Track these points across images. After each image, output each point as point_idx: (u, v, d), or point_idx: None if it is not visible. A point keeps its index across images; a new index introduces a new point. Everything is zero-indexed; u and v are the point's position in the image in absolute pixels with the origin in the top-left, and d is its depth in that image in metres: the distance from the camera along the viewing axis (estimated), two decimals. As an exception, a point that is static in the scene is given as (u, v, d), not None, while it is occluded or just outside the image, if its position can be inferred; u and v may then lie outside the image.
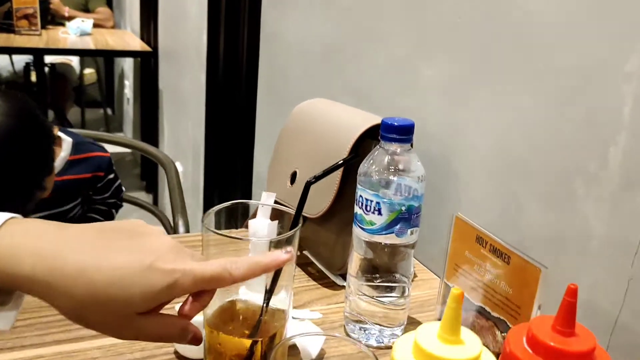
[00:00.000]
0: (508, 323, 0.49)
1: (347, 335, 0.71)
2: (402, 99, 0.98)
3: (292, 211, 0.59)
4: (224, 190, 1.84)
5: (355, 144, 0.77)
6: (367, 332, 0.69)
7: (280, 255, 0.48)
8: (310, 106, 0.93)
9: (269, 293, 0.56)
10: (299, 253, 0.92)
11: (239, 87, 1.69)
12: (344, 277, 0.83)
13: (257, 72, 1.58)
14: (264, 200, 0.69)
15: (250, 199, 1.73)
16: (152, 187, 3.10)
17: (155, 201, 3.00)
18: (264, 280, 0.62)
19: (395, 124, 0.65)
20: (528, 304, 0.47)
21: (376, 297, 0.68)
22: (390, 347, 0.69)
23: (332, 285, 0.82)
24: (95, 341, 0.65)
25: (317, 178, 0.54)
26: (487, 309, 0.52)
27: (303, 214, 0.83)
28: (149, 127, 3.04)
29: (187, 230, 1.14)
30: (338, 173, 0.78)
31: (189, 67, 2.31)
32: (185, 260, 0.44)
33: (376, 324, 0.69)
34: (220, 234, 0.53)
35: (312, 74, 1.31)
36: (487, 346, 0.53)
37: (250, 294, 0.61)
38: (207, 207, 1.98)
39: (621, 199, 0.60)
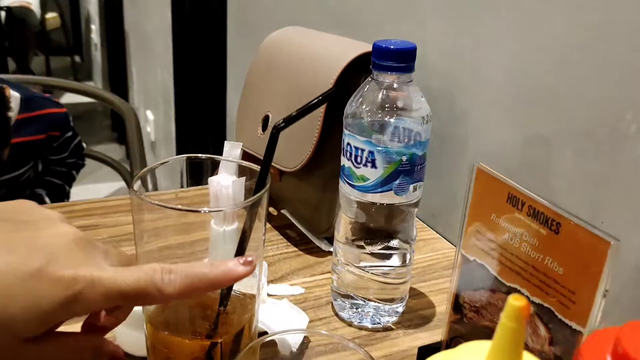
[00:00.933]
0: (556, 313, 0.36)
1: (336, 314, 0.58)
2: (394, 23, 0.82)
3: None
4: (197, 139, 1.68)
5: (339, 77, 0.62)
6: (360, 310, 0.56)
7: (235, 268, 0.34)
8: (283, 36, 0.77)
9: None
10: (275, 212, 0.78)
11: (207, 22, 1.51)
12: (330, 240, 0.70)
13: (226, 3, 1.40)
14: (227, 152, 0.54)
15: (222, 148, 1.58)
16: (124, 139, 2.92)
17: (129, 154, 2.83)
18: (226, 257, 0.49)
19: (392, 47, 0.49)
20: (588, 288, 0.34)
21: (371, 267, 0.54)
22: (389, 330, 0.56)
23: (317, 252, 0.68)
24: None
25: (288, 121, 0.40)
26: (525, 292, 0.38)
27: (279, 166, 0.69)
28: (117, 74, 2.84)
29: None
30: (319, 115, 0.63)
31: (153, 4, 2.10)
32: (94, 263, 0.30)
33: (371, 300, 0.55)
34: (154, 203, 0.38)
35: (286, 6, 1.14)
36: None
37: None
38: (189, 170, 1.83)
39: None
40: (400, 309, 0.57)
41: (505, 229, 0.40)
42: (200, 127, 1.66)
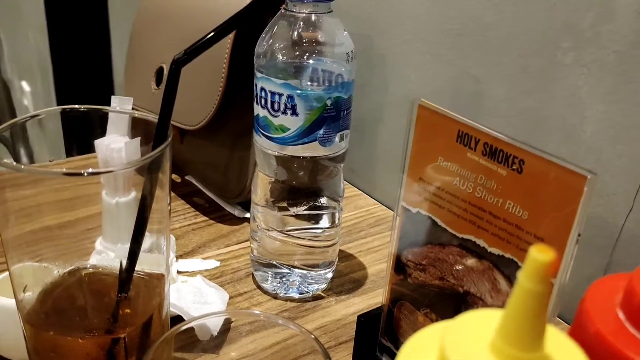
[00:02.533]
0: (520, 263, 0.32)
1: (258, 287, 0.51)
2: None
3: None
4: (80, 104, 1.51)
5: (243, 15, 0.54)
6: (285, 280, 0.50)
7: None
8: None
9: (132, 252, 0.34)
10: (179, 179, 0.69)
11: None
12: (244, 206, 0.62)
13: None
14: (115, 107, 0.45)
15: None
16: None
17: None
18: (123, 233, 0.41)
19: (307, -28, 0.42)
20: (558, 234, 0.29)
21: (295, 231, 0.48)
22: (319, 298, 0.50)
23: (230, 219, 0.61)
24: None
25: (191, 53, 0.32)
26: (481, 242, 0.34)
27: (180, 124, 0.60)
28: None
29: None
30: (223, 61, 0.54)
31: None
32: None
33: (297, 267, 0.49)
34: (16, 168, 0.29)
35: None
36: (481, 298, 0.35)
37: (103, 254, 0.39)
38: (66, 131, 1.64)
39: (631, 62, 0.43)
40: (330, 274, 0.51)
41: (455, 173, 0.34)
42: (85, 94, 1.49)
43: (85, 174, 0.30)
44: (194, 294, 0.45)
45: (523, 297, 0.15)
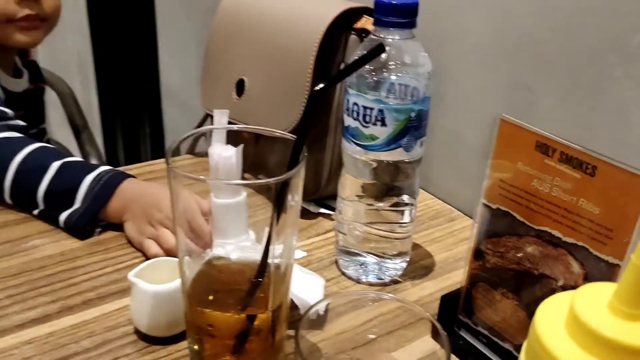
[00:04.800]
0: (591, 250, 0.39)
1: (343, 273, 0.59)
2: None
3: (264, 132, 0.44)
4: (125, 109, 1.59)
5: (324, 37, 0.61)
6: (367, 267, 0.57)
7: None
8: (245, -5, 0.74)
9: (267, 248, 0.41)
10: (253, 179, 0.76)
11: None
12: (317, 203, 0.70)
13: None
14: (217, 120, 0.53)
15: (161, 118, 1.51)
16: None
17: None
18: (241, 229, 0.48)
19: (395, 2, 0.49)
20: (625, 225, 0.36)
21: (378, 224, 0.55)
22: (396, 282, 0.58)
23: (306, 214, 0.68)
24: (22, 333, 0.48)
25: (329, 82, 0.39)
26: (556, 233, 0.41)
27: (256, 131, 0.67)
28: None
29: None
30: (307, 75, 0.61)
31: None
32: None
33: (378, 256, 0.57)
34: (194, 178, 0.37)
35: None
36: (554, 279, 0.42)
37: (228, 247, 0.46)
38: (107, 133, 1.72)
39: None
40: (405, 263, 0.59)
41: (533, 176, 0.42)
42: (129, 95, 1.57)
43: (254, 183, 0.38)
44: (296, 279, 0.53)
45: (635, 271, 0.23)
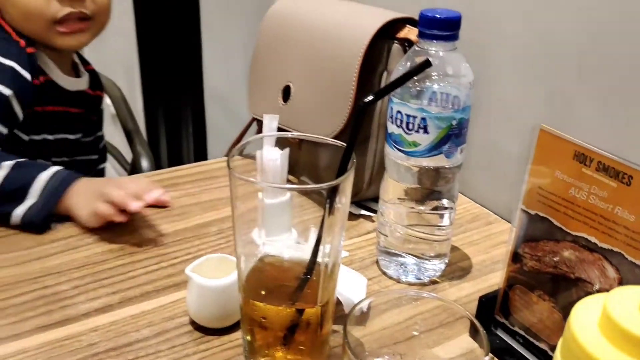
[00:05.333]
0: (626, 255, 0.41)
1: (384, 273, 0.61)
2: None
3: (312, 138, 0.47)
4: (170, 110, 1.64)
5: (369, 46, 0.64)
6: (407, 267, 0.60)
7: None
8: (291, 4, 0.77)
9: (316, 248, 0.44)
10: (296, 180, 0.80)
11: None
12: (358, 205, 0.73)
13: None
14: (267, 125, 0.56)
15: (203, 120, 1.56)
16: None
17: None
18: (285, 227, 0.51)
19: (439, 16, 0.51)
20: (661, 232, 0.38)
21: (419, 226, 0.58)
22: (435, 283, 0.60)
23: (348, 216, 0.71)
24: (88, 322, 0.52)
25: (376, 96, 0.41)
26: (593, 239, 0.43)
27: (301, 136, 0.70)
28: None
29: (153, 167, 0.98)
30: (352, 83, 0.64)
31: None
32: None
33: (418, 257, 0.59)
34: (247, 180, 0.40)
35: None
36: (590, 282, 0.44)
37: (274, 244, 0.49)
38: (151, 133, 1.78)
39: None
40: (443, 265, 0.61)
41: (570, 184, 0.44)
42: (173, 96, 1.62)
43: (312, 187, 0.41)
44: (340, 278, 0.56)
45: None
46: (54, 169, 0.66)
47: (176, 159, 1.72)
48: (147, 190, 0.64)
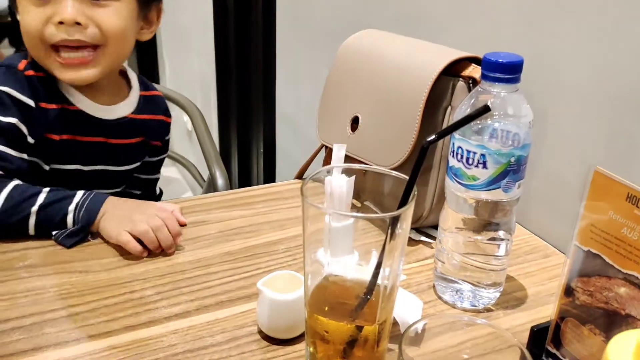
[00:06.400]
0: (674, 295, 0.42)
1: (439, 297, 0.64)
2: (468, 25, 0.87)
3: (381, 170, 0.51)
4: (242, 132, 1.73)
5: (434, 82, 0.68)
6: (462, 294, 0.63)
7: None
8: (362, 40, 0.82)
9: (376, 271, 0.48)
10: (359, 205, 0.84)
11: (253, 14, 1.56)
12: (418, 231, 0.76)
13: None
14: (336, 153, 0.61)
15: (274, 141, 1.63)
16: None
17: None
18: (348, 248, 0.55)
19: (501, 60, 0.55)
20: None
21: (475, 255, 0.61)
22: (489, 310, 0.63)
23: (408, 241, 0.74)
24: (169, 324, 0.58)
25: (439, 136, 0.46)
26: (642, 277, 0.45)
27: (373, 163, 0.75)
28: (147, 66, 2.88)
29: (229, 186, 1.05)
30: (417, 116, 0.68)
31: (190, -4, 2.14)
32: None
33: (474, 284, 0.62)
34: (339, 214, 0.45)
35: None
36: (636, 318, 0.46)
37: (338, 264, 0.54)
38: (223, 152, 1.88)
39: None
40: (498, 293, 0.63)
41: (623, 224, 0.46)
42: (246, 119, 1.71)
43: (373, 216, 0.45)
44: (398, 299, 0.59)
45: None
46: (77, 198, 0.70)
47: (246, 178, 1.80)
48: (170, 221, 0.69)
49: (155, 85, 1.03)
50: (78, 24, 0.70)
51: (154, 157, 0.92)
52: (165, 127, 0.91)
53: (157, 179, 0.98)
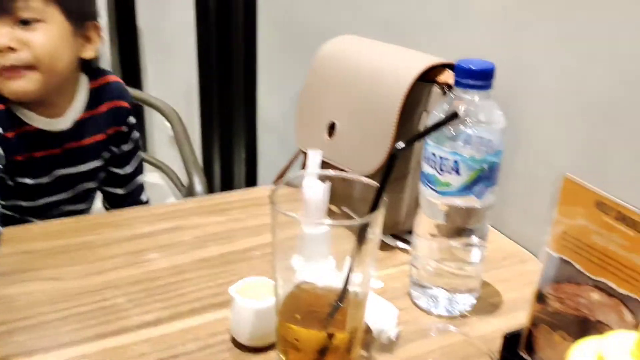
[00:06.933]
0: (642, 302, 0.43)
1: (415, 304, 0.64)
2: (441, 30, 0.87)
3: (354, 176, 0.51)
4: (225, 137, 1.73)
5: (410, 88, 0.68)
6: (438, 300, 0.62)
7: None
8: (339, 46, 0.82)
9: (347, 277, 0.48)
10: (338, 211, 0.84)
11: (234, 21, 1.55)
12: (394, 237, 0.76)
13: (255, 3, 1.44)
14: (311, 159, 0.61)
15: (255, 147, 1.63)
16: (139, 131, 2.96)
17: (144, 147, 2.87)
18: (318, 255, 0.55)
19: (473, 67, 0.55)
20: (674, 282, 0.40)
21: (449, 261, 0.61)
22: (464, 317, 0.62)
23: (383, 247, 0.75)
24: (140, 332, 0.58)
25: (408, 143, 0.46)
26: (611, 284, 0.45)
27: (344, 170, 0.75)
28: (130, 71, 2.86)
29: (208, 190, 1.04)
30: (392, 123, 0.68)
31: (174, 2, 2.13)
32: None
33: (449, 291, 0.62)
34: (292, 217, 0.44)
35: (324, 1, 1.19)
36: (609, 326, 0.46)
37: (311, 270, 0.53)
38: (206, 157, 1.87)
39: None
40: (474, 299, 0.63)
41: (592, 231, 0.46)
42: (229, 126, 1.70)
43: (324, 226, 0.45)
44: (372, 306, 0.59)
45: (652, 324, 0.28)
46: None
47: (228, 183, 1.79)
48: None
49: (136, 91, 1.04)
50: (11, 49, 0.75)
51: (122, 144, 0.92)
52: (124, 111, 0.92)
53: (139, 180, 0.98)
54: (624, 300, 0.44)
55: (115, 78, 0.93)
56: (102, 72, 0.92)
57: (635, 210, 0.42)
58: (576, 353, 0.31)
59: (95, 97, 0.88)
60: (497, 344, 0.56)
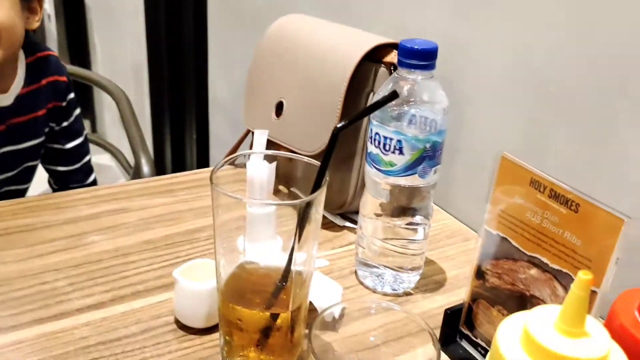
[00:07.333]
0: (573, 276, 0.44)
1: (360, 283, 0.65)
2: (389, 10, 0.87)
3: (291, 156, 0.51)
4: (175, 117, 1.69)
5: (355, 68, 0.68)
6: (383, 278, 0.63)
7: None
8: (290, 24, 0.81)
9: (290, 256, 0.48)
10: (286, 191, 0.83)
11: None
12: (343, 216, 0.76)
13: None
14: (257, 139, 0.60)
15: (207, 128, 1.60)
16: (88, 112, 2.87)
17: (94, 128, 2.79)
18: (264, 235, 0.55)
19: (417, 47, 0.55)
20: (602, 257, 0.41)
21: (394, 240, 0.61)
22: (409, 294, 0.64)
23: (332, 226, 0.75)
24: (80, 317, 0.56)
25: (349, 122, 0.45)
26: (545, 260, 0.46)
27: (297, 150, 0.74)
28: (77, 48, 2.76)
29: (157, 172, 1.02)
30: (338, 102, 0.68)
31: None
32: None
33: (393, 269, 0.63)
34: (236, 198, 0.44)
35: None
36: (543, 300, 0.48)
37: (256, 249, 0.53)
38: (156, 137, 1.83)
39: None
40: (417, 277, 0.65)
41: (527, 208, 0.47)
42: (179, 105, 1.67)
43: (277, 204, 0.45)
44: (316, 285, 0.59)
45: (574, 299, 0.29)
46: None
47: (180, 165, 1.76)
48: None
49: (83, 70, 1.02)
50: None
51: (62, 121, 0.91)
52: (64, 86, 0.90)
53: (84, 160, 0.96)
54: (556, 275, 0.46)
55: (51, 52, 0.91)
56: (37, 46, 0.90)
57: (567, 188, 0.44)
58: (504, 327, 0.32)
59: (33, 72, 0.87)
60: (439, 320, 0.58)
